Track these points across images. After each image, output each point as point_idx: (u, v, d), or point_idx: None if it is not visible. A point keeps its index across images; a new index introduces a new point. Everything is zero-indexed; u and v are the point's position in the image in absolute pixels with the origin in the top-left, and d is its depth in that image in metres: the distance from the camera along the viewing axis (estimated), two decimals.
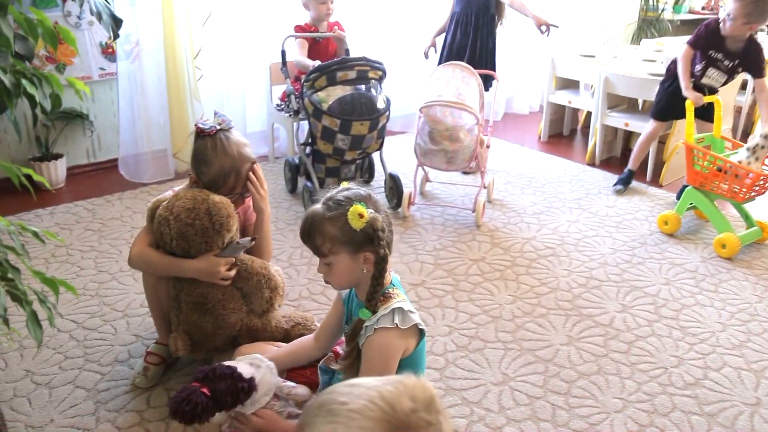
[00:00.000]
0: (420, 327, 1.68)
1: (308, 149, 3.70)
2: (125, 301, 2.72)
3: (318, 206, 1.67)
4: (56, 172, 3.89)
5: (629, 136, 4.96)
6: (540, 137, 5.25)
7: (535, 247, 3.34)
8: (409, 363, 1.71)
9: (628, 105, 4.80)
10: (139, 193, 3.89)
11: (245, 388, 1.63)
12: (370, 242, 1.62)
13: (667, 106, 3.89)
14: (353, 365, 1.71)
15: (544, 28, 4.06)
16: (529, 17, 4.09)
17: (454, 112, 3.29)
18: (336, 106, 3.34)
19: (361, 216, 1.58)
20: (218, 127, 2.09)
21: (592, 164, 4.65)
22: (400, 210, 3.67)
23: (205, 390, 1.57)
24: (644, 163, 4.52)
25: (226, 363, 1.69)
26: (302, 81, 3.48)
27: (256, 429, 1.73)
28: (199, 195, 2.03)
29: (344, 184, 1.73)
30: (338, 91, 3.37)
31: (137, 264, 2.10)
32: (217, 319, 2.10)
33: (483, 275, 3.03)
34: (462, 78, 3.40)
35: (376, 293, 1.65)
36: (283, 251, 3.20)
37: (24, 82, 1.08)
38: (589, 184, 4.23)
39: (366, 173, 4.07)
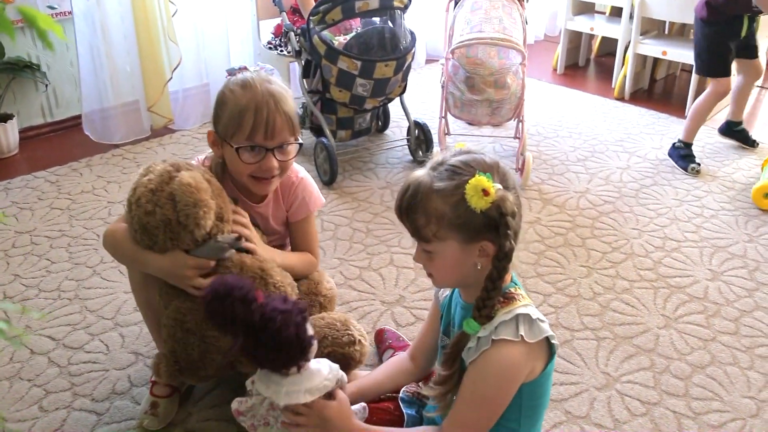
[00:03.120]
0: (552, 341, 1.22)
1: (315, 97, 3.09)
2: (114, 305, 2.13)
3: (422, 172, 1.21)
4: (7, 136, 3.21)
5: (656, 66, 4.45)
6: (556, 69, 4.70)
7: (592, 201, 2.84)
8: (532, 391, 1.26)
9: (659, 30, 4.26)
10: (111, 157, 3.24)
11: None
12: (493, 230, 1.14)
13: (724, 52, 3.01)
14: (451, 392, 1.25)
15: None
16: None
17: (500, 52, 2.65)
18: (353, 43, 2.74)
19: (485, 193, 1.11)
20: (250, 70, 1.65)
21: (621, 98, 4.14)
22: None
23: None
24: (681, 95, 4.03)
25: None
26: (309, 15, 2.83)
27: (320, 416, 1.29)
28: (167, 170, 1.45)
29: (460, 146, 1.24)
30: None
31: (106, 244, 1.60)
32: (204, 342, 1.49)
33: (544, 241, 2.54)
34: (503, 7, 2.74)
35: (490, 299, 1.18)
36: None
37: None
38: (627, 122, 3.73)
39: (380, 120, 3.49)
